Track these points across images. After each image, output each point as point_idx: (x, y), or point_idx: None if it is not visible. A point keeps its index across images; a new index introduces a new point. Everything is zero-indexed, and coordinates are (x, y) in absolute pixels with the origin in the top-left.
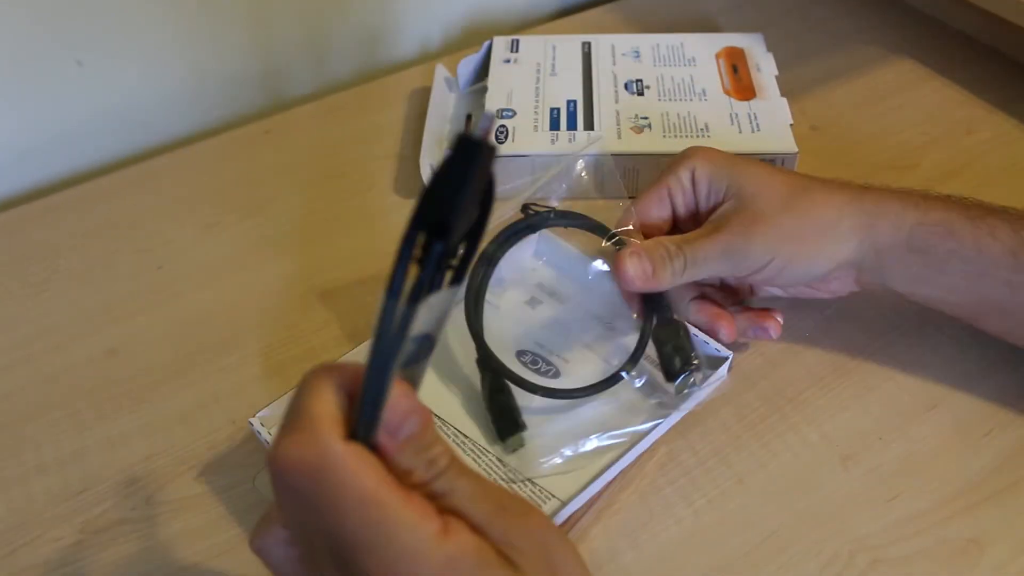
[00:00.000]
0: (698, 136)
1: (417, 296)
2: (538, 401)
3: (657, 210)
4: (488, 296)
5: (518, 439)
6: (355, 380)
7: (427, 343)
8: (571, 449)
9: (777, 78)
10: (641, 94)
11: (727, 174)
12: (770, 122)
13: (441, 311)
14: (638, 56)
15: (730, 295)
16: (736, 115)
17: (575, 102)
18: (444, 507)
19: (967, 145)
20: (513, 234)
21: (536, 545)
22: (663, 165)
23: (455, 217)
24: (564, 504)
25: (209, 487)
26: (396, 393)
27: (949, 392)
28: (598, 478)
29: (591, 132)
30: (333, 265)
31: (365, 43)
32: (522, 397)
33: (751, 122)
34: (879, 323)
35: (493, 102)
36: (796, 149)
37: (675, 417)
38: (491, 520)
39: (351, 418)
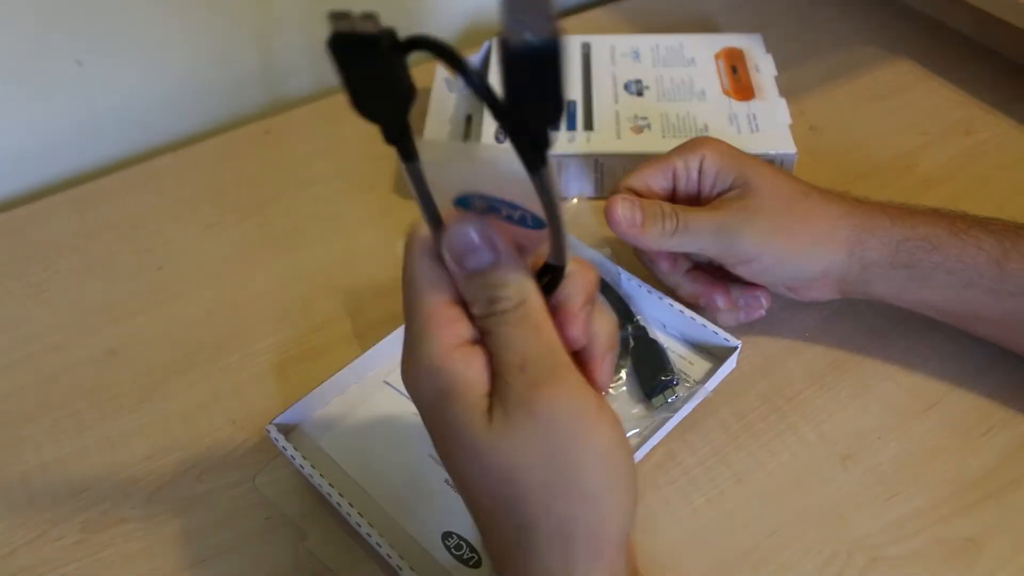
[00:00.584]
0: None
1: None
2: None
3: (658, 182)
4: None
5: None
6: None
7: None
8: None
9: (776, 79)
10: (640, 94)
11: (736, 166)
12: (769, 122)
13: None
14: (637, 57)
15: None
16: (735, 115)
17: (574, 103)
18: (487, 346)
19: (965, 145)
20: None
21: (536, 422)
22: None
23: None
24: None
25: (209, 487)
26: (463, 226)
27: (948, 391)
28: None
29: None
30: (333, 265)
31: None
32: None
33: (750, 122)
34: (878, 323)
35: None
36: (795, 149)
37: (670, 424)
38: (504, 373)
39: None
